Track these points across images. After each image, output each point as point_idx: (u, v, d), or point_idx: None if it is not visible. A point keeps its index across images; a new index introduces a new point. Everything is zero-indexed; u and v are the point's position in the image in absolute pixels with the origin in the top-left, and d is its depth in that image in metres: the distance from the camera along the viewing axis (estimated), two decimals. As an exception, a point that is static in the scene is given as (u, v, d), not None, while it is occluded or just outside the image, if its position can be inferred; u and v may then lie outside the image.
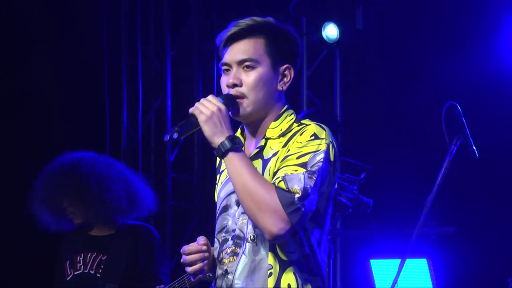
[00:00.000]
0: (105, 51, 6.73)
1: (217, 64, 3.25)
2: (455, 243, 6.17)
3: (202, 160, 7.16)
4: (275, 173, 2.86)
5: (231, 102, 2.92)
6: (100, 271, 4.58)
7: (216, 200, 3.12)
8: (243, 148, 3.00)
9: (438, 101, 4.10)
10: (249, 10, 6.64)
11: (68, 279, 4.62)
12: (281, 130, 2.95)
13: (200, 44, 7.12)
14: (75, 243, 4.71)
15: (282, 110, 2.99)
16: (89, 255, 4.64)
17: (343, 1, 6.37)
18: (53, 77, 6.63)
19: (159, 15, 7.15)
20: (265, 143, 2.95)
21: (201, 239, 3.01)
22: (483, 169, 5.70)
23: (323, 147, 2.84)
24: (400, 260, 3.87)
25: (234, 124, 2.97)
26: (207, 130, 2.84)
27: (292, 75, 2.98)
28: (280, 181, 2.80)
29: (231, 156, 2.83)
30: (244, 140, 3.04)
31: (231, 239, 2.94)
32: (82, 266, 4.62)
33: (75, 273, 4.62)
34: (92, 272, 4.59)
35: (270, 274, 2.87)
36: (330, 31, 6.41)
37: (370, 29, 6.34)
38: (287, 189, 2.77)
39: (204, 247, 2.99)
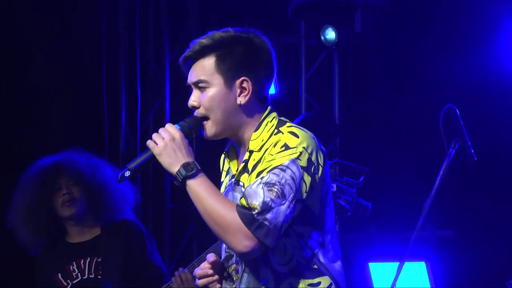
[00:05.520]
0: (103, 55, 6.73)
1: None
2: (453, 246, 6.17)
3: (200, 163, 7.14)
4: None
5: (193, 125, 2.93)
6: (100, 273, 4.51)
7: None
8: (230, 161, 3.00)
9: (437, 104, 4.11)
10: (248, 13, 6.64)
11: None
12: (262, 140, 2.92)
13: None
14: (59, 255, 4.59)
15: (262, 118, 2.96)
16: (82, 261, 4.56)
17: (342, 5, 6.37)
18: (52, 80, 6.64)
19: (158, 19, 7.16)
20: (249, 156, 2.93)
21: (210, 258, 2.99)
22: (481, 172, 5.71)
23: (293, 155, 2.81)
24: (398, 263, 3.87)
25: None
26: (163, 162, 2.88)
27: (251, 87, 2.92)
28: (241, 197, 2.81)
29: (189, 183, 2.85)
30: (237, 155, 3.02)
31: (234, 257, 2.96)
32: (79, 274, 4.54)
33: (73, 282, 4.53)
34: (92, 276, 4.52)
35: None
36: (329, 34, 6.40)
37: (368, 32, 6.33)
38: (247, 205, 2.77)
39: (210, 271, 2.97)
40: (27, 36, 6.58)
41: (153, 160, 2.91)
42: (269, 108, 2.99)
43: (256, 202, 2.76)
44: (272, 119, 2.96)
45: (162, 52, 7.13)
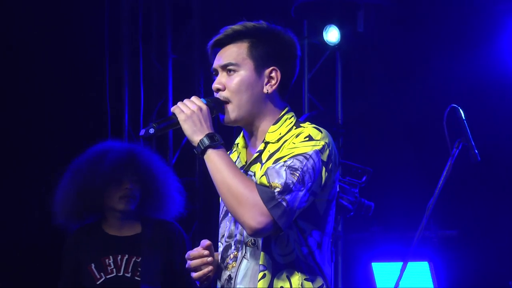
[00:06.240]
0: (106, 54, 6.73)
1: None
2: (456, 246, 6.16)
3: (204, 162, 7.13)
4: None
5: (215, 105, 2.95)
6: (138, 274, 4.38)
7: (220, 203, 3.13)
8: (240, 152, 3.01)
9: (440, 103, 4.10)
10: (251, 12, 6.63)
11: (98, 283, 4.40)
12: (280, 134, 2.95)
13: (202, 47, 7.12)
14: (95, 244, 4.45)
15: (282, 114, 3.00)
16: (119, 257, 4.43)
17: (345, 4, 6.37)
18: (55, 79, 6.63)
19: (161, 18, 7.16)
20: (265, 147, 2.96)
21: (205, 242, 3.01)
22: (485, 172, 5.70)
23: (316, 147, 2.85)
24: (401, 263, 3.86)
25: (235, 130, 2.97)
26: (186, 128, 2.89)
27: (279, 77, 2.98)
28: (262, 175, 2.82)
29: (210, 153, 2.87)
30: (247, 146, 3.05)
31: (234, 244, 2.96)
32: (114, 269, 4.41)
33: (107, 276, 4.40)
34: (128, 275, 4.40)
35: (264, 275, 2.87)
36: (332, 34, 6.41)
37: (371, 31, 6.34)
38: (268, 184, 2.78)
39: (206, 252, 2.99)
40: (29, 36, 6.58)
41: (175, 126, 2.92)
42: (288, 107, 3.04)
43: (278, 182, 2.78)
44: (291, 117, 3.01)
45: (165, 51, 7.13)
